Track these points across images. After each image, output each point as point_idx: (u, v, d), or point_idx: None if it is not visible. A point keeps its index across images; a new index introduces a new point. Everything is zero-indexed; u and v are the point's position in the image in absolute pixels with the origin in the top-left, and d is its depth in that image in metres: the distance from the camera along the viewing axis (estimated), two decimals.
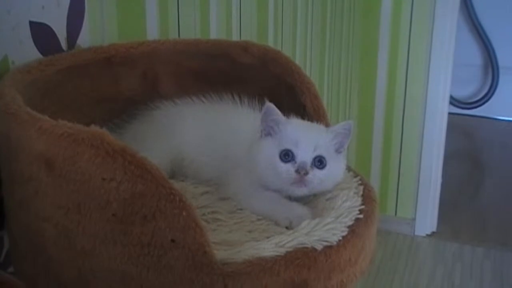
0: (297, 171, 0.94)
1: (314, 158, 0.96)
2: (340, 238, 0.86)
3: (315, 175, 0.95)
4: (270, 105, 0.98)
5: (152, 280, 0.79)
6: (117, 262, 0.79)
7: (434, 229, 2.79)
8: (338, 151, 1.01)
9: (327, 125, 1.14)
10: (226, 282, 0.79)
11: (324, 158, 0.97)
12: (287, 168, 0.95)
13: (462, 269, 2.46)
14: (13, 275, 1.00)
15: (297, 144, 0.96)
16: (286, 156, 0.95)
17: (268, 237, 0.87)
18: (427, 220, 2.77)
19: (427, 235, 2.77)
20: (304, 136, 0.97)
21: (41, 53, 1.06)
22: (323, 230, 0.86)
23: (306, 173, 0.94)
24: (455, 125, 2.91)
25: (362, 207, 0.94)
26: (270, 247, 0.83)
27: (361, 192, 0.98)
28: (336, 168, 1.00)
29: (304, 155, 0.95)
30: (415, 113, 2.66)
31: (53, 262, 0.85)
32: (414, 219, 2.78)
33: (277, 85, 1.19)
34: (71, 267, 0.83)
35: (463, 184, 3.28)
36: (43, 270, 0.88)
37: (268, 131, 0.99)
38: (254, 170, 0.99)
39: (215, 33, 1.51)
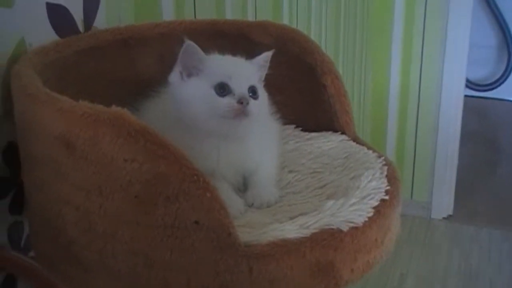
0: (239, 101, 0.90)
1: (249, 88, 0.94)
2: (366, 219, 0.85)
3: (254, 104, 0.93)
4: (190, 43, 0.94)
5: (176, 262, 0.78)
6: (140, 245, 0.78)
7: (451, 212, 2.77)
8: (259, 81, 1.00)
9: (349, 108, 1.12)
10: (251, 264, 0.77)
11: (256, 88, 0.95)
12: (228, 101, 0.91)
13: (479, 252, 2.44)
14: (34, 259, 0.99)
15: (230, 77, 0.92)
16: (222, 89, 0.91)
17: (292, 219, 0.86)
18: (443, 203, 2.75)
19: (444, 218, 2.75)
20: (235, 68, 0.95)
21: (58, 35, 1.04)
22: (349, 211, 0.85)
23: (248, 103, 0.91)
24: (470, 108, 2.87)
25: (388, 188, 0.92)
26: (295, 228, 0.82)
27: (385, 173, 0.97)
28: (264, 98, 0.99)
29: (241, 87, 0.92)
30: (430, 95, 2.63)
31: (74, 245, 0.84)
32: (430, 203, 2.76)
33: (295, 65, 1.17)
34: (92, 250, 0.82)
35: (479, 166, 3.25)
36: (63, 253, 0.87)
37: (190, 71, 0.94)
38: (184, 115, 0.93)
39: (230, 14, 1.49)
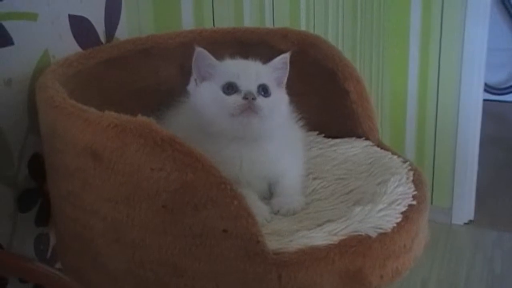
0: (244, 97, 0.91)
1: (258, 87, 0.94)
2: (394, 224, 0.84)
3: (263, 101, 0.93)
4: (201, 50, 0.96)
5: (205, 271, 0.77)
6: (168, 254, 0.78)
7: (472, 218, 2.74)
8: (279, 85, 0.99)
9: (372, 113, 1.11)
10: (280, 272, 0.77)
11: (267, 86, 0.95)
12: (234, 99, 0.92)
13: (502, 257, 2.41)
14: (60, 271, 0.99)
15: (238, 76, 0.94)
16: (230, 88, 0.93)
17: (319, 225, 0.85)
18: (464, 208, 2.72)
19: (465, 223, 2.72)
20: (244, 68, 0.96)
21: (81, 46, 1.05)
22: (377, 217, 0.84)
23: (254, 98, 0.91)
24: (488, 111, 2.84)
25: (415, 193, 0.91)
26: (323, 235, 0.81)
27: (411, 178, 0.96)
28: (281, 100, 0.98)
29: (248, 84, 0.93)
30: (448, 100, 2.61)
31: (101, 256, 0.84)
32: (451, 208, 2.73)
33: (317, 71, 1.16)
34: (120, 260, 0.82)
35: (499, 171, 3.21)
36: (91, 263, 0.87)
37: (203, 76, 0.97)
38: (201, 120, 0.95)
39: (248, 22, 1.49)
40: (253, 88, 0.93)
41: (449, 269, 2.35)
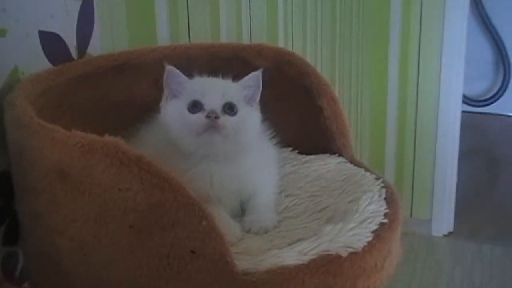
0: (207, 116, 0.91)
1: (224, 105, 0.94)
2: (365, 243, 0.83)
3: (227, 120, 0.92)
4: (171, 68, 0.96)
5: None
6: (136, 275, 0.77)
7: (451, 229, 2.74)
8: (250, 103, 0.99)
9: (346, 130, 1.11)
10: None
11: (234, 104, 0.94)
12: (197, 117, 0.92)
13: (482, 269, 2.41)
14: None
15: (203, 94, 0.94)
16: (195, 107, 0.93)
17: (290, 244, 0.84)
18: (443, 220, 2.72)
19: (444, 235, 2.73)
20: (210, 86, 0.96)
21: (51, 62, 1.04)
22: (347, 236, 0.83)
23: (217, 117, 0.91)
24: (467, 124, 2.86)
25: (387, 211, 0.90)
26: (293, 255, 0.80)
27: (384, 195, 0.95)
28: (249, 118, 0.97)
29: (212, 103, 0.93)
30: (428, 112, 2.61)
31: (69, 276, 0.83)
32: (430, 220, 2.73)
33: (291, 88, 1.16)
34: (87, 281, 0.81)
35: (479, 182, 3.23)
36: (59, 284, 0.86)
37: (173, 94, 0.97)
38: (169, 136, 0.95)
39: (225, 37, 1.48)
40: (217, 107, 0.93)
41: (429, 282, 2.35)
